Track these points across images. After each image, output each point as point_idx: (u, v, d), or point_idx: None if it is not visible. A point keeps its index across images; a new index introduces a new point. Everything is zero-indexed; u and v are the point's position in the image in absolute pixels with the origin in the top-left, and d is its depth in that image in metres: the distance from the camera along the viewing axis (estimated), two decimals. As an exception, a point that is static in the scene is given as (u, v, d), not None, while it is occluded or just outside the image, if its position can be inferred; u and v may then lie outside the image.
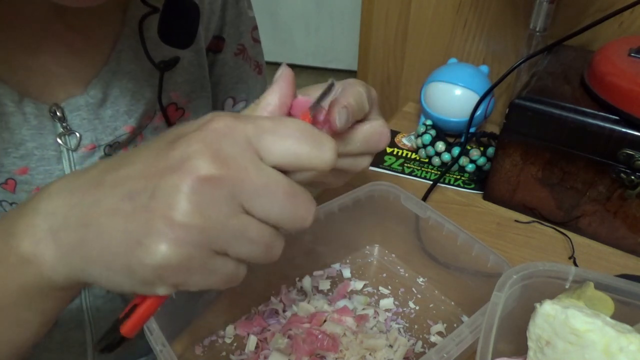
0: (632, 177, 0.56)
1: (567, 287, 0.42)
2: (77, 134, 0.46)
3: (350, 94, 0.33)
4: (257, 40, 0.64)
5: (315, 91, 0.36)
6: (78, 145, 0.46)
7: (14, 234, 0.28)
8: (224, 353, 0.51)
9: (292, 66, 0.32)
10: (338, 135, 0.34)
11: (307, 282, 0.59)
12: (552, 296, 0.40)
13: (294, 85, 0.32)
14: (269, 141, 0.27)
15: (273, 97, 0.31)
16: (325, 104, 0.32)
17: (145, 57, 0.48)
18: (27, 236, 0.28)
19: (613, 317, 0.37)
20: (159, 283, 0.26)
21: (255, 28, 0.63)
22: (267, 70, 0.69)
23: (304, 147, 0.27)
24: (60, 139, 0.45)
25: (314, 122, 0.32)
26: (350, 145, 0.36)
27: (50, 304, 0.31)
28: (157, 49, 0.49)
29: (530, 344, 0.40)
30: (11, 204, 0.44)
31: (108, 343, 0.28)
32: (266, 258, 0.28)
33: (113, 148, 0.49)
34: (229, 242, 0.26)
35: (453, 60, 0.84)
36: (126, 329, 0.28)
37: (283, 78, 0.31)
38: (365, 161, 0.38)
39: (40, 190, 0.29)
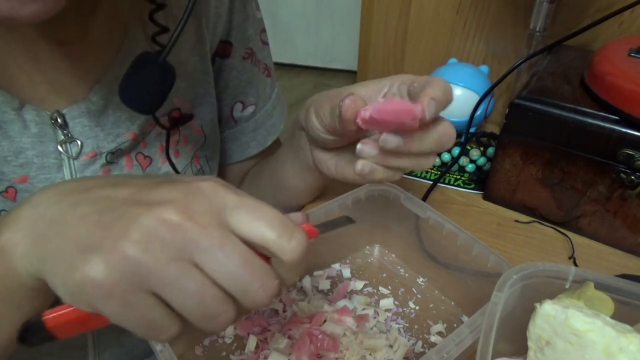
0: (632, 177, 0.56)
1: (567, 287, 0.42)
2: (79, 142, 0.45)
3: (437, 87, 0.36)
4: (265, 43, 0.63)
5: (362, 90, 0.43)
6: (79, 153, 0.46)
7: (3, 224, 0.30)
8: (224, 353, 0.51)
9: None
10: (414, 133, 0.37)
11: (307, 282, 0.59)
12: (552, 296, 0.40)
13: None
14: (243, 216, 0.28)
15: None
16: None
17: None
18: (10, 226, 0.29)
19: (613, 317, 0.37)
20: (79, 297, 0.27)
21: (264, 30, 0.63)
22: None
23: (271, 233, 0.28)
24: (62, 146, 0.45)
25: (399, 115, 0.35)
26: (423, 145, 0.38)
27: (25, 300, 0.31)
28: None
29: (530, 344, 0.40)
30: None
31: (26, 328, 0.27)
32: (204, 322, 0.27)
33: (115, 155, 0.48)
34: (160, 285, 0.26)
35: (453, 60, 0.85)
36: (48, 315, 0.27)
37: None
38: (431, 161, 0.41)
39: (42, 187, 0.31)
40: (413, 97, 0.44)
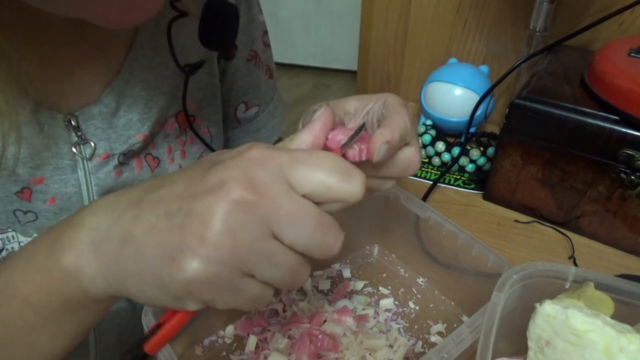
0: (632, 177, 0.56)
1: (567, 287, 0.42)
2: (92, 143, 0.46)
3: (397, 126, 0.34)
4: (267, 45, 0.64)
5: (353, 103, 0.40)
6: (93, 155, 0.46)
7: (58, 247, 0.30)
8: (224, 353, 0.51)
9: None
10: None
11: (307, 282, 0.59)
12: (552, 296, 0.40)
13: (331, 125, 0.33)
14: (301, 172, 0.28)
15: (307, 136, 0.32)
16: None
17: (160, 64, 0.49)
18: (70, 249, 0.30)
19: (613, 317, 0.37)
20: (188, 298, 0.28)
21: (266, 32, 0.63)
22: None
23: (333, 179, 0.28)
24: (75, 148, 0.45)
25: (346, 155, 0.33)
26: (380, 171, 0.37)
27: (89, 315, 0.33)
28: (178, 54, 0.49)
29: (530, 344, 0.40)
30: (25, 212, 0.44)
31: (132, 358, 0.29)
32: (291, 283, 0.29)
33: (127, 157, 0.49)
34: (256, 264, 0.27)
35: (453, 60, 0.85)
36: (149, 346, 0.29)
37: (321, 120, 0.32)
38: (390, 184, 0.39)
39: (86, 206, 0.31)
40: (378, 122, 0.42)
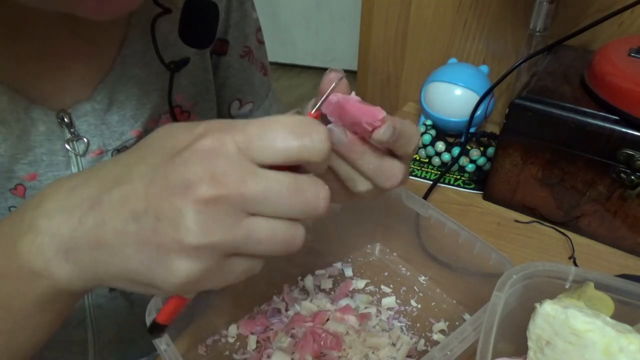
0: (632, 177, 0.56)
1: (567, 287, 0.42)
2: (85, 140, 0.46)
3: (407, 128, 0.34)
4: (261, 42, 0.64)
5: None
6: (86, 151, 0.46)
7: (20, 253, 0.29)
8: (227, 352, 0.52)
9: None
10: (361, 145, 0.34)
11: (309, 281, 0.59)
12: (552, 296, 0.40)
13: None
14: (258, 147, 0.27)
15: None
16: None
17: (152, 60, 0.49)
18: (36, 255, 0.28)
19: (613, 317, 0.38)
20: (182, 291, 0.29)
21: (259, 29, 0.63)
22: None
23: (291, 142, 0.27)
24: (69, 144, 0.45)
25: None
26: (361, 161, 0.35)
27: (70, 303, 0.33)
28: (164, 50, 0.49)
29: (530, 344, 0.40)
30: None
31: (148, 329, 0.32)
32: (285, 250, 0.29)
33: (120, 152, 0.49)
34: (238, 247, 0.27)
35: (453, 60, 0.85)
36: (160, 317, 0.32)
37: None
38: (365, 185, 0.36)
39: (32, 202, 0.29)
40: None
